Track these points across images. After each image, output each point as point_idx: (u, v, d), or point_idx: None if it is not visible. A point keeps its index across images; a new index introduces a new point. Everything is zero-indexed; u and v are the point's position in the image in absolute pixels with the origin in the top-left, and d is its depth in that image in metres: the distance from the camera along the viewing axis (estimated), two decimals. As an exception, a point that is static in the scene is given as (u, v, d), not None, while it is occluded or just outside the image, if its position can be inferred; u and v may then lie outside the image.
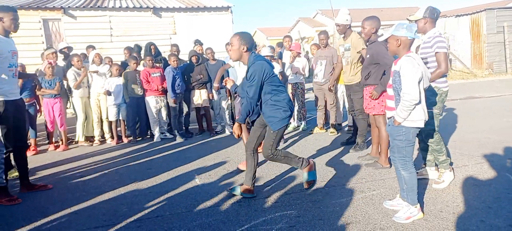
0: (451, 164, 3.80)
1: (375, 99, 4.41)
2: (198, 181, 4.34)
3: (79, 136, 6.78)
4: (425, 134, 3.70)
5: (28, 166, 4.27)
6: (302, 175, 3.84)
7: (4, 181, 3.87)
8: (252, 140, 3.66)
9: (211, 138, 6.86)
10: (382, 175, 4.13)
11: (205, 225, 3.12)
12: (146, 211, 3.49)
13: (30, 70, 7.07)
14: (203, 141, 6.64)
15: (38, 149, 6.44)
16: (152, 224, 3.19)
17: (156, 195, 3.91)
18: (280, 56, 7.54)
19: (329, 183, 3.99)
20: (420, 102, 2.88)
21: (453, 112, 8.03)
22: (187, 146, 6.31)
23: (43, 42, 10.77)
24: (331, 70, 6.28)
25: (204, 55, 7.43)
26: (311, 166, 3.69)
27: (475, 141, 5.42)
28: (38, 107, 6.46)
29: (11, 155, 4.23)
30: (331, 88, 6.07)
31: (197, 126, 7.43)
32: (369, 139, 5.90)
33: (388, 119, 3.16)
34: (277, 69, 6.15)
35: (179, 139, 6.68)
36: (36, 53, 9.08)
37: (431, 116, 3.57)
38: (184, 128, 7.12)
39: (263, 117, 3.56)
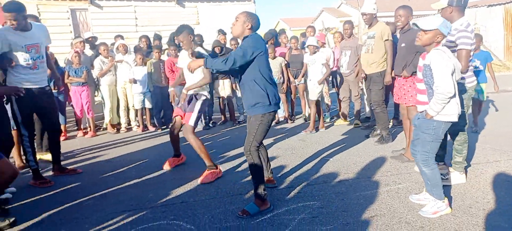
0: (465, 168, 3.67)
1: (406, 78, 4.27)
2: (221, 169, 4.38)
3: (107, 123, 6.96)
4: (451, 132, 3.56)
5: (60, 150, 4.42)
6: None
7: (35, 164, 4.03)
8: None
9: (234, 127, 6.90)
10: (408, 169, 4.05)
11: (228, 212, 3.16)
12: (171, 197, 3.56)
13: (59, 58, 7.26)
14: (226, 130, 6.69)
15: (68, 134, 6.66)
16: (177, 210, 3.25)
17: (180, 181, 3.98)
18: (303, 46, 7.47)
19: (353, 176, 3.94)
20: (454, 95, 2.78)
21: (485, 106, 7.74)
22: (210, 135, 6.37)
23: (71, 32, 11.05)
24: (355, 61, 6.17)
25: (228, 46, 7.44)
26: (265, 201, 3.17)
27: (507, 136, 5.22)
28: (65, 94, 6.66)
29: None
30: (360, 80, 5.91)
31: (220, 116, 7.48)
32: (394, 131, 5.79)
33: (420, 112, 3.07)
34: (324, 57, 6.12)
35: (199, 128, 6.77)
36: (65, 42, 9.32)
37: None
38: (208, 117, 7.19)
39: (244, 105, 3.26)
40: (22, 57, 3.82)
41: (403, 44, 4.40)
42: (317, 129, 6.22)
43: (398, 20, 4.40)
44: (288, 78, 6.94)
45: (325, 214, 3.02)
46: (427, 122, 2.89)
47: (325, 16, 29.02)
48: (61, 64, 6.93)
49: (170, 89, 4.62)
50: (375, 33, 4.97)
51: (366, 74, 5.18)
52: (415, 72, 3.94)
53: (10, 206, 3.47)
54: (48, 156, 4.74)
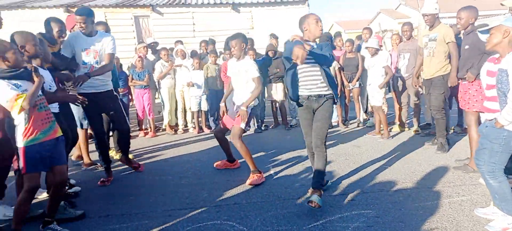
0: None
1: (471, 82, 4.01)
2: (273, 172, 4.41)
3: (166, 124, 7.32)
4: None
5: (128, 147, 4.68)
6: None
7: (104, 163, 4.40)
8: (309, 140, 3.53)
9: (286, 131, 6.91)
10: (472, 180, 3.78)
11: (279, 216, 3.17)
12: (224, 198, 3.66)
13: (124, 63, 7.76)
14: (278, 134, 6.72)
15: (130, 134, 7.08)
16: (230, 211, 3.33)
17: (233, 183, 4.07)
18: (359, 49, 7.28)
19: (412, 185, 3.76)
20: None
21: None
22: (262, 139, 6.44)
23: (134, 38, 11.77)
24: (415, 64, 5.88)
25: (281, 49, 7.47)
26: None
27: None
28: (130, 97, 7.11)
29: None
30: (419, 84, 5.61)
31: (272, 119, 7.53)
32: (457, 138, 5.43)
33: (489, 121, 2.85)
34: (384, 60, 5.92)
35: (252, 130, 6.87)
36: (129, 48, 9.97)
37: None
38: (260, 120, 7.27)
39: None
40: (80, 61, 4.12)
41: (466, 46, 4.15)
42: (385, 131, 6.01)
43: (458, 22, 4.19)
44: (342, 82, 6.81)
45: (381, 224, 2.92)
46: (497, 131, 2.67)
47: (382, 18, 28.02)
48: (125, 68, 7.40)
49: (221, 104, 4.61)
50: (437, 35, 4.71)
51: (423, 79, 4.95)
52: (479, 75, 3.70)
53: (79, 200, 3.79)
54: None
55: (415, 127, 6.13)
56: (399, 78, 6.33)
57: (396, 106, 6.46)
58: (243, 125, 4.15)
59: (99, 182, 4.28)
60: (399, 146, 5.36)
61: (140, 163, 4.90)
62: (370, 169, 4.35)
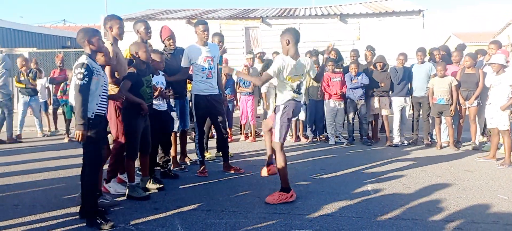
0: None
1: None
2: (370, 188, 4.27)
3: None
4: None
5: (228, 151, 5.12)
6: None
7: (201, 157, 4.97)
8: None
9: (387, 148, 6.57)
10: None
11: (374, 234, 3.07)
12: (317, 207, 3.68)
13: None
14: (379, 151, 6.44)
15: (233, 137, 7.58)
16: (322, 221, 3.35)
17: (326, 195, 4.06)
18: (480, 65, 6.55)
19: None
20: None
21: None
22: (361, 153, 6.24)
23: (243, 47, 12.53)
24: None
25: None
26: None
27: None
28: (235, 103, 7.61)
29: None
30: None
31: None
32: None
33: None
34: (510, 78, 5.25)
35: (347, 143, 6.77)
36: (238, 57, 10.69)
37: None
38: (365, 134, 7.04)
39: None
40: (200, 67, 4.74)
41: None
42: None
43: None
44: (458, 100, 6.22)
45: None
46: None
47: (513, 30, 24.46)
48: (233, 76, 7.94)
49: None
50: None
51: None
52: None
53: (188, 194, 4.23)
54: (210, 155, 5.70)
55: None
56: None
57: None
58: (276, 138, 3.90)
59: (198, 173, 4.87)
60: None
61: (239, 165, 5.20)
62: (483, 198, 3.89)
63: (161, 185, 4.28)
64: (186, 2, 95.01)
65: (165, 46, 5.03)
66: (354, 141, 6.97)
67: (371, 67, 7.02)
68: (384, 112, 6.84)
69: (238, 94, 7.55)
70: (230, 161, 5.20)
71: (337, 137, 7.09)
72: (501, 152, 5.51)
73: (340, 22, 12.29)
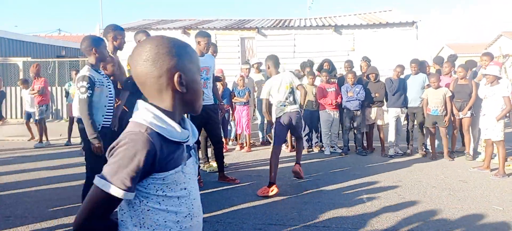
0: None
1: None
2: (366, 200, 4.26)
3: (260, 141, 7.62)
4: None
5: (223, 161, 5.10)
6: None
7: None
8: None
9: (382, 158, 6.59)
10: None
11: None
12: (314, 220, 3.67)
13: (229, 81, 8.33)
14: (374, 161, 6.45)
15: (228, 147, 7.56)
16: (318, 233, 3.33)
17: (322, 205, 4.05)
18: (474, 76, 6.62)
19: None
20: None
21: None
22: (357, 163, 6.25)
23: (238, 58, 12.57)
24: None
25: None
26: None
27: None
28: (231, 112, 7.61)
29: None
30: None
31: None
32: None
33: None
34: (505, 89, 5.31)
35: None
36: (233, 67, 10.70)
37: None
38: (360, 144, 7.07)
39: None
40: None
41: None
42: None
43: None
44: (451, 111, 6.27)
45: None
46: None
47: (504, 41, 24.86)
48: (230, 86, 7.95)
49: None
50: None
51: None
52: None
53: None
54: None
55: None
56: None
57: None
58: (274, 142, 4.73)
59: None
60: (518, 187, 4.70)
61: (234, 175, 5.19)
62: (478, 208, 3.91)
63: None
64: (181, 12, 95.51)
65: None
66: (349, 151, 6.99)
67: (365, 78, 7.08)
68: (379, 122, 6.88)
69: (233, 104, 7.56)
70: (225, 172, 5.17)
71: (332, 146, 7.10)
72: (495, 162, 5.55)
73: (335, 33, 12.39)
